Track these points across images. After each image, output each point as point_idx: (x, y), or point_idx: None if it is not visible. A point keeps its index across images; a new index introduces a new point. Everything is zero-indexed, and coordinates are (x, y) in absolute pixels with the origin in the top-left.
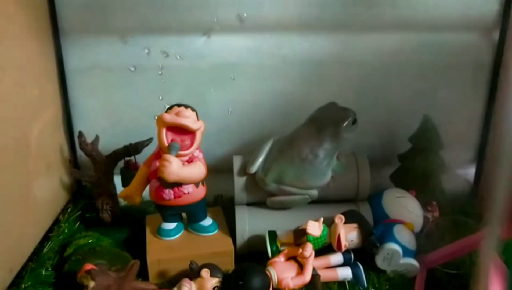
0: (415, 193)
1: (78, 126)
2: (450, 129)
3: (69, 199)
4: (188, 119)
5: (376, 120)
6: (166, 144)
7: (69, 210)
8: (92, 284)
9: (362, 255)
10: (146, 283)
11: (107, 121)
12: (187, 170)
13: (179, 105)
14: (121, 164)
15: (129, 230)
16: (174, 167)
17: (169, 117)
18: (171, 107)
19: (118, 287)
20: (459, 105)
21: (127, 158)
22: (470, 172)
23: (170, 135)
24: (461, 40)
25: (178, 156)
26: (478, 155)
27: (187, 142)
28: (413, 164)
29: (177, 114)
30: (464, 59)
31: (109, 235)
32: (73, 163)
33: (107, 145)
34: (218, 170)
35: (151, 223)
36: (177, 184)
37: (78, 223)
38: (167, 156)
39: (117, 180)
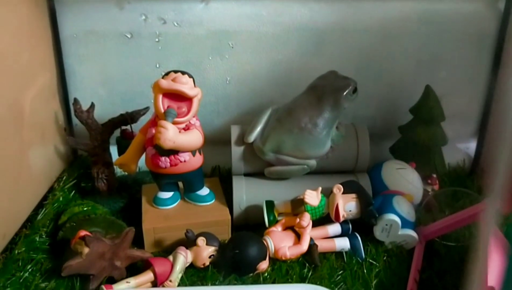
0: (415, 165)
1: (73, 94)
2: (452, 101)
3: (65, 168)
4: (185, 85)
5: (377, 91)
6: (162, 111)
7: (64, 178)
8: (86, 250)
9: (361, 226)
10: (141, 251)
11: (103, 89)
12: (183, 137)
13: (175, 71)
14: (117, 133)
15: (125, 200)
16: (171, 134)
17: (165, 83)
18: (167, 73)
19: (113, 254)
20: (462, 76)
21: (123, 127)
22: (471, 145)
23: (167, 102)
24: (465, 9)
25: (174, 123)
26: (480, 128)
27: (184, 109)
28: (414, 136)
29: (173, 80)
30: (469, 29)
31: (104, 204)
32: (69, 131)
33: (103, 114)
34: (215, 140)
35: (147, 193)
36: (174, 152)
37: (73, 192)
38: (164, 122)
39: (114, 150)
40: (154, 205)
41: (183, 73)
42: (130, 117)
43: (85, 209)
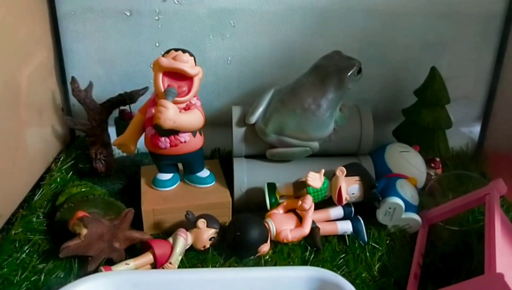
0: (419, 149)
1: (71, 73)
2: (457, 84)
3: (62, 149)
4: (186, 64)
5: (381, 72)
6: (162, 90)
7: (61, 159)
8: (84, 231)
9: (363, 209)
10: (140, 233)
11: (101, 68)
12: (184, 117)
13: (176, 49)
14: (116, 113)
15: (123, 181)
16: (171, 113)
17: (165, 61)
18: (168, 51)
19: (112, 235)
20: (467, 59)
21: (122, 107)
22: (475, 129)
23: (167, 81)
24: None
25: (175, 102)
26: (484, 112)
27: (184, 88)
28: (418, 119)
29: (174, 58)
30: (475, 9)
31: (102, 185)
32: (66, 111)
33: (101, 93)
34: (215, 122)
35: (147, 174)
36: (173, 132)
37: (71, 173)
38: (164, 102)
39: (112, 130)
40: (153, 187)
41: (184, 51)
42: (129, 97)
43: (83, 190)
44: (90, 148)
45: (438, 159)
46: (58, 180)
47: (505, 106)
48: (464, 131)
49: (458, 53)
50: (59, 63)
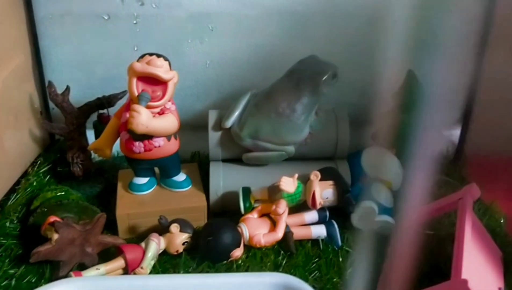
0: (396, 152)
1: (49, 77)
2: (437, 87)
3: (40, 152)
4: (159, 68)
5: (361, 76)
6: (136, 94)
7: (39, 163)
8: (55, 236)
9: (339, 213)
10: (113, 237)
11: (80, 71)
12: (157, 122)
13: (151, 54)
14: (94, 117)
15: (101, 185)
16: (143, 118)
17: (139, 66)
18: (142, 56)
19: (83, 240)
20: (447, 62)
21: (100, 111)
22: (456, 132)
23: (141, 85)
24: None
25: (148, 107)
26: (464, 115)
27: (159, 93)
28: (395, 122)
29: (148, 63)
30: (454, 15)
31: (80, 189)
32: (45, 115)
33: (80, 97)
34: (195, 125)
35: (124, 178)
36: (148, 137)
37: (48, 177)
38: (136, 106)
39: (91, 134)
40: (130, 191)
41: (159, 56)
42: (107, 101)
43: (58, 194)
44: (67, 152)
45: None
46: (35, 184)
47: (484, 110)
48: (444, 134)
49: (438, 56)
50: (37, 67)
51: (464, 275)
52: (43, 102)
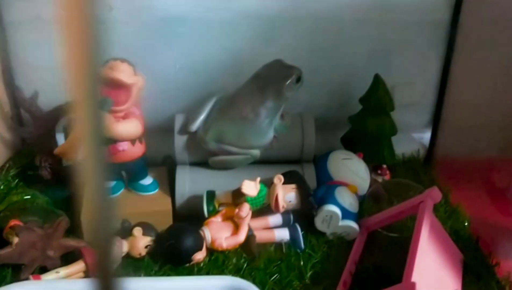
0: (363, 156)
1: (20, 81)
2: (406, 91)
3: (11, 156)
4: (122, 73)
5: (329, 80)
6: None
7: (7, 166)
8: (16, 240)
9: (305, 217)
10: (76, 241)
11: (51, 76)
12: (119, 126)
13: (115, 59)
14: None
15: (71, 188)
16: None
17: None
18: (106, 61)
19: (45, 243)
20: (415, 66)
21: (72, 115)
22: (426, 135)
23: (105, 90)
24: None
25: (112, 111)
26: (434, 118)
27: (123, 97)
28: (363, 126)
29: (111, 68)
30: (421, 17)
31: (49, 193)
32: (17, 119)
33: (52, 101)
34: (167, 129)
35: None
36: (111, 141)
37: (17, 181)
38: None
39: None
40: None
41: (123, 60)
42: None
43: (24, 198)
44: (36, 156)
45: (384, 166)
46: (2, 187)
47: (453, 113)
48: (416, 137)
49: (406, 60)
50: (7, 71)
51: (414, 278)
52: (14, 107)
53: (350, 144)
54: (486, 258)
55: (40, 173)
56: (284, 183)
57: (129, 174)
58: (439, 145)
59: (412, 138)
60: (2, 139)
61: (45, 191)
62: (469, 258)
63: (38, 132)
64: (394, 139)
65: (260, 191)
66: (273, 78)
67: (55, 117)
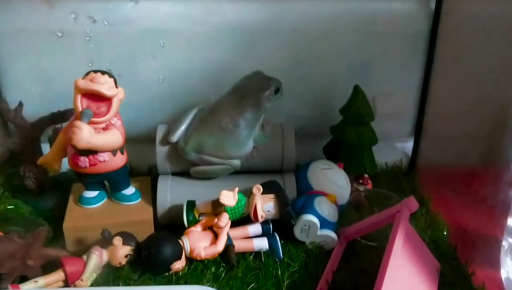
0: (343, 166)
1: (7, 93)
2: (387, 101)
3: None
4: (102, 85)
5: (311, 91)
6: (80, 111)
7: None
8: None
9: (285, 226)
10: (56, 250)
11: (37, 87)
12: (99, 137)
13: (96, 71)
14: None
15: (56, 198)
16: (84, 134)
17: (83, 83)
18: (87, 73)
19: (24, 253)
20: (396, 76)
21: (56, 126)
22: (409, 145)
23: (86, 102)
24: (397, 9)
25: (92, 123)
26: (416, 128)
27: (103, 109)
28: (343, 136)
29: (92, 80)
30: (401, 28)
31: (34, 203)
32: (3, 130)
33: (38, 112)
34: (152, 140)
35: (76, 191)
36: (92, 152)
37: (2, 190)
38: (77, 123)
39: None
40: (79, 204)
41: (103, 73)
42: (61, 116)
43: (8, 207)
44: (21, 166)
45: (366, 176)
46: None
47: (435, 123)
48: (398, 146)
49: (386, 71)
50: None
51: (385, 288)
52: (2, 118)
53: (332, 154)
54: (462, 267)
55: (25, 183)
56: (263, 193)
57: (111, 184)
58: (422, 154)
59: (394, 147)
60: None
61: (30, 201)
62: (445, 267)
63: (22, 142)
64: (376, 148)
65: (240, 201)
66: (252, 89)
67: (39, 128)
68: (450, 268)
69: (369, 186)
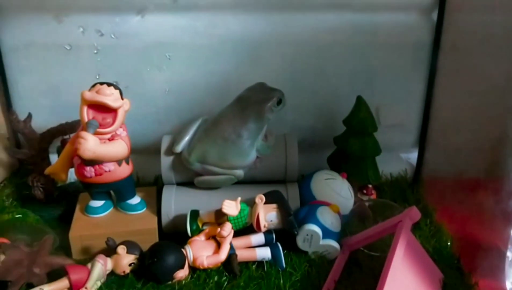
0: (346, 176)
1: (17, 104)
2: (391, 111)
3: (7, 176)
4: (108, 97)
5: (314, 101)
6: (86, 122)
7: (1, 186)
8: (2, 257)
9: (289, 236)
10: (62, 258)
11: (46, 99)
12: (104, 148)
13: (102, 83)
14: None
15: (63, 207)
16: (90, 145)
17: (89, 95)
18: (94, 85)
19: (31, 262)
20: (399, 87)
21: (64, 137)
22: (413, 155)
23: (92, 113)
24: (400, 20)
25: (98, 133)
26: (420, 138)
27: (109, 120)
28: (346, 147)
29: (97, 91)
30: (403, 39)
31: (42, 212)
32: (13, 141)
33: (47, 124)
34: (158, 150)
35: (83, 201)
36: (98, 162)
37: (11, 200)
38: (83, 133)
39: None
40: (86, 214)
41: (109, 84)
42: (69, 127)
43: (16, 216)
44: (29, 176)
45: (370, 186)
46: None
47: (439, 133)
48: (403, 157)
49: (389, 82)
50: (4, 95)
51: None
52: (11, 129)
53: (336, 164)
54: (466, 277)
55: (33, 193)
56: (266, 203)
57: (117, 193)
58: (426, 165)
59: (399, 158)
60: None
61: (38, 210)
62: (449, 278)
63: (31, 152)
64: (381, 159)
65: (242, 210)
66: (254, 100)
67: (47, 139)
68: (453, 278)
69: (374, 197)
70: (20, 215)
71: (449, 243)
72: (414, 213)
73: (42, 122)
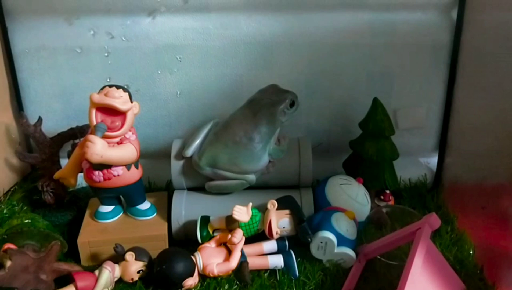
0: (362, 181)
1: (28, 108)
2: (410, 114)
3: (18, 181)
4: (116, 99)
5: (329, 104)
6: (94, 125)
7: (12, 191)
8: (9, 263)
9: (301, 243)
10: (69, 265)
11: (57, 102)
12: (113, 151)
13: (110, 86)
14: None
15: (73, 213)
16: (98, 148)
17: (97, 97)
18: (103, 88)
19: (37, 267)
20: (417, 89)
21: (75, 141)
22: (433, 160)
23: (101, 116)
24: (418, 20)
25: (107, 137)
26: (440, 142)
27: (118, 123)
28: (362, 151)
29: (106, 94)
30: (422, 39)
31: (52, 217)
32: (25, 145)
33: (58, 127)
34: (169, 154)
35: (93, 206)
36: (106, 166)
37: (21, 204)
38: (91, 137)
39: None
40: (95, 219)
41: (118, 87)
42: (80, 131)
43: (25, 221)
44: (39, 181)
45: (388, 192)
46: (5, 211)
47: (459, 137)
48: (422, 162)
49: (407, 83)
50: (16, 98)
51: None
52: (22, 133)
53: (352, 169)
54: (490, 288)
55: (43, 198)
56: (278, 209)
57: (126, 198)
58: (446, 169)
59: (418, 162)
60: (10, 164)
61: (47, 215)
62: (471, 288)
63: (41, 157)
64: (399, 163)
65: (254, 216)
66: (266, 102)
67: (57, 143)
68: (476, 289)
69: (391, 203)
70: (29, 220)
71: (471, 252)
72: (434, 220)
73: (53, 126)
